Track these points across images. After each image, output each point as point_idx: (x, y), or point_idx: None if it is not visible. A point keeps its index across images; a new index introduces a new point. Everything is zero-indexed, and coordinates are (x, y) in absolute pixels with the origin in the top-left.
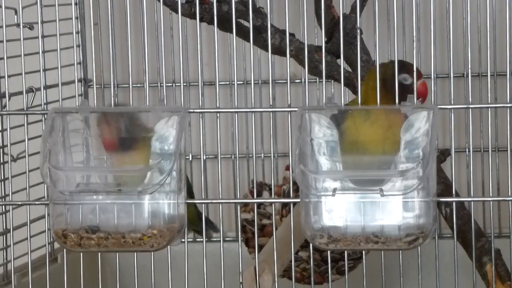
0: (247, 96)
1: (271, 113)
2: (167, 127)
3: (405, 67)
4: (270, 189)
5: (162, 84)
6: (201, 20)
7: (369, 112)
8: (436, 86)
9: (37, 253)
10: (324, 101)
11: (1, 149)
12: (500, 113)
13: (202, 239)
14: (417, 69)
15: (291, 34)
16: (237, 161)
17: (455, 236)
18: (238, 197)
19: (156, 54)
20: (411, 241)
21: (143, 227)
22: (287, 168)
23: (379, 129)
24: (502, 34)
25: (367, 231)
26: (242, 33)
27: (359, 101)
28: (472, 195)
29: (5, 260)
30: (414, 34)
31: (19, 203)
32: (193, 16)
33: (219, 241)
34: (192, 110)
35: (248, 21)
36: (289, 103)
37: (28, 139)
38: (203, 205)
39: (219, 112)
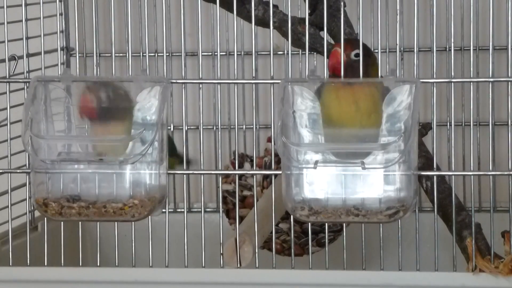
0: (229, 67)
1: (253, 84)
2: (149, 97)
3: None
4: (252, 161)
5: (144, 54)
6: None
7: (343, 86)
8: (419, 60)
9: (18, 221)
10: (306, 74)
11: None
12: (482, 88)
13: (183, 210)
14: (346, 42)
15: (275, 6)
16: (219, 132)
17: (435, 210)
18: (220, 168)
19: (139, 24)
20: (392, 214)
21: (124, 197)
22: (269, 140)
23: (351, 102)
24: (484, 8)
25: (348, 204)
26: (226, 4)
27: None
28: (453, 169)
29: None
30: (397, 7)
31: (0, 171)
32: None
33: (200, 211)
34: (174, 81)
35: None
36: (271, 75)
37: (10, 107)
38: (184, 175)
39: (201, 83)
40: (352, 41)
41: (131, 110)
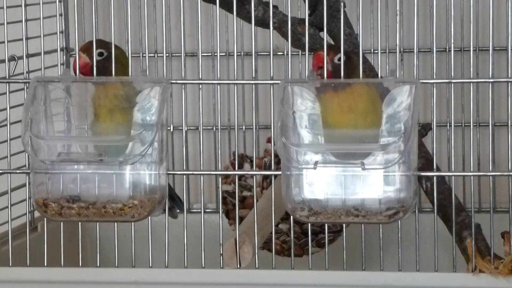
0: (229, 67)
1: (253, 85)
2: (149, 98)
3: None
4: (251, 161)
5: (144, 55)
6: None
7: (340, 86)
8: (418, 61)
9: (18, 221)
10: (306, 74)
11: None
12: (482, 88)
13: (182, 211)
14: (328, 48)
15: (275, 6)
16: (219, 133)
17: (435, 211)
18: (219, 169)
19: (139, 24)
20: (392, 215)
21: (124, 198)
22: (269, 141)
23: (348, 103)
24: (484, 9)
25: (347, 205)
26: (225, 4)
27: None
28: (452, 170)
29: None
30: (397, 8)
31: (0, 171)
32: None
33: (200, 212)
34: (174, 81)
35: None
36: (271, 75)
37: (10, 108)
38: (184, 176)
39: (201, 83)
40: (333, 47)
41: (131, 111)
